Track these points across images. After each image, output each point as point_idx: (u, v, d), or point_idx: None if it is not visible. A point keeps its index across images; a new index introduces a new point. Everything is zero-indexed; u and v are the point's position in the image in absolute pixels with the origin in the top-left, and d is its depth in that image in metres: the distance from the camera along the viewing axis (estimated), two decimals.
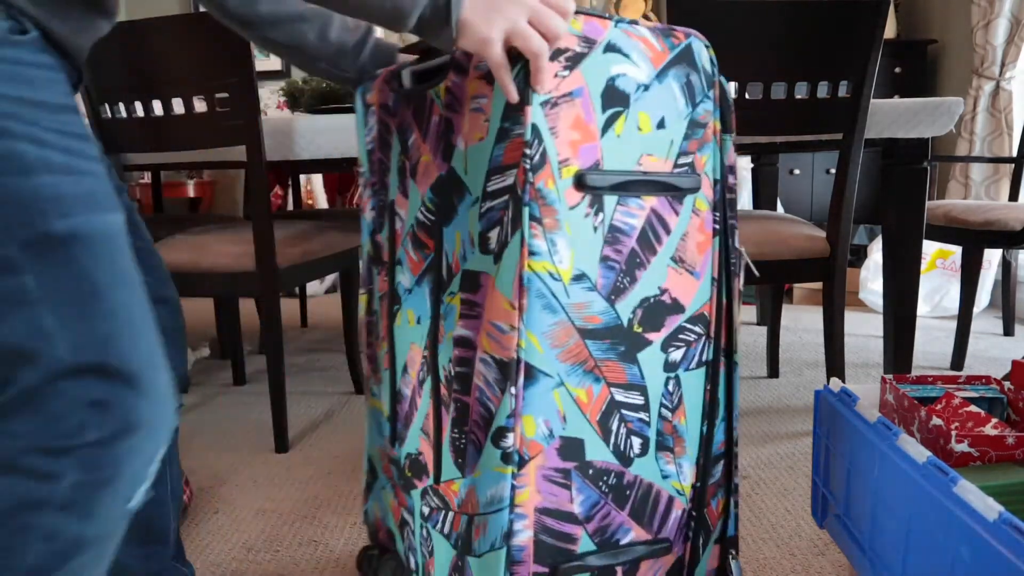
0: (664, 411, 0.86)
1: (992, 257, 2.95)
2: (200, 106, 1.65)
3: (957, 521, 0.78)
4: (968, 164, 3.22)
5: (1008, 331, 2.70)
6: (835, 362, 1.77)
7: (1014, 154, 3.12)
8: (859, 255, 3.33)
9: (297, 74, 4.18)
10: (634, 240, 0.82)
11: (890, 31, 3.64)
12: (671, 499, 0.88)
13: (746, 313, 3.13)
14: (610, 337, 0.82)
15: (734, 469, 0.92)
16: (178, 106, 1.67)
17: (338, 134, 1.66)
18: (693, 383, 0.88)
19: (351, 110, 1.79)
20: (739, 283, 0.90)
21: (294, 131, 1.69)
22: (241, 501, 1.51)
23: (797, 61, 1.59)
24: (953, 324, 2.84)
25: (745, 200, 3.48)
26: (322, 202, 4.01)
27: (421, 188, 0.92)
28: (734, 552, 0.93)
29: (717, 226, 0.87)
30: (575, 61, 0.77)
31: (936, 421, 1.01)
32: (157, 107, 1.67)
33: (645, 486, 0.86)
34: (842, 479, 1.09)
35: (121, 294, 0.68)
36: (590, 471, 0.83)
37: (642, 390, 0.84)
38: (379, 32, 1.02)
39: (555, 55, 0.76)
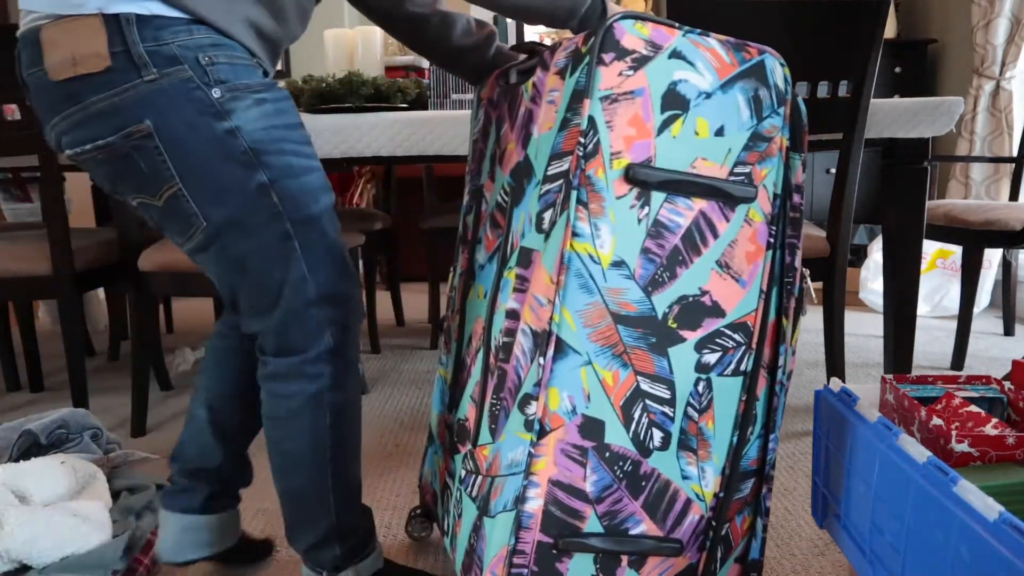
0: (691, 410, 0.88)
1: (992, 257, 2.95)
2: None
3: (957, 521, 0.78)
4: (968, 164, 3.22)
5: (1008, 331, 2.70)
6: (835, 362, 1.77)
7: (1014, 154, 3.12)
8: (859, 255, 3.33)
9: (297, 74, 4.18)
10: (678, 237, 0.85)
11: (890, 31, 3.64)
12: (689, 502, 0.89)
13: None
14: (643, 326, 0.84)
15: (766, 491, 0.92)
16: None
17: (338, 134, 1.66)
18: (727, 390, 0.89)
19: (351, 110, 1.79)
20: (793, 303, 0.91)
21: None
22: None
23: (797, 61, 1.59)
24: (953, 324, 2.84)
25: None
26: None
27: (504, 172, 1.00)
28: None
29: (772, 239, 0.89)
30: (640, 63, 0.82)
31: (936, 421, 1.01)
32: None
33: (663, 481, 0.87)
34: (842, 479, 1.09)
35: (340, 243, 0.99)
36: (607, 453, 0.85)
37: (669, 384, 0.86)
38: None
39: (622, 55, 0.81)
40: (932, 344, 2.59)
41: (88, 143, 0.88)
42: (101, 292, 3.12)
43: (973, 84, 3.21)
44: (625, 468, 0.86)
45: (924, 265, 2.99)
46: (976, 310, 2.87)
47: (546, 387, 0.83)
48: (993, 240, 2.16)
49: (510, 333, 0.89)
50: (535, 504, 0.84)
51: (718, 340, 0.87)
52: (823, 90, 1.61)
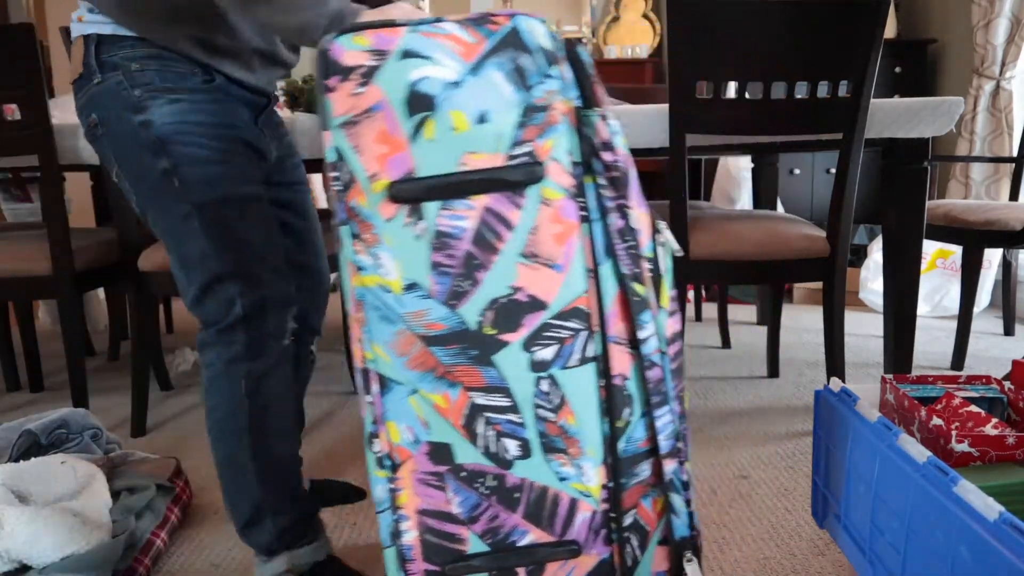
0: (543, 412, 0.83)
1: (992, 257, 2.94)
2: None
3: (957, 521, 0.78)
4: (968, 164, 3.22)
5: (1008, 331, 2.70)
6: (835, 362, 1.77)
7: (1014, 154, 3.11)
8: (859, 255, 3.33)
9: (297, 74, 4.17)
10: (468, 242, 0.80)
11: (890, 31, 3.64)
12: (574, 501, 0.85)
13: (746, 313, 3.13)
14: (457, 342, 0.81)
15: (676, 466, 0.87)
16: None
17: None
18: (578, 381, 0.83)
19: None
20: (648, 264, 0.84)
21: (294, 131, 1.69)
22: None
23: (797, 61, 1.58)
24: (953, 324, 2.84)
25: (745, 200, 3.47)
26: (322, 202, 4.02)
27: None
28: (691, 554, 0.90)
29: (585, 212, 0.82)
30: (369, 75, 0.77)
31: (936, 421, 1.01)
32: None
33: (538, 488, 0.85)
34: (842, 479, 1.09)
35: (252, 230, 1.07)
36: (463, 474, 0.83)
37: (506, 392, 0.82)
38: None
39: (347, 74, 0.77)
40: (932, 344, 2.59)
41: (83, 129, 1.10)
42: (101, 292, 3.12)
43: (973, 84, 3.21)
44: (489, 484, 0.84)
45: (924, 265, 2.99)
46: (976, 310, 2.87)
47: (383, 422, 0.82)
48: (993, 240, 2.16)
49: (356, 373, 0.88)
50: (411, 536, 0.84)
51: (548, 334, 0.82)
52: (823, 90, 1.61)
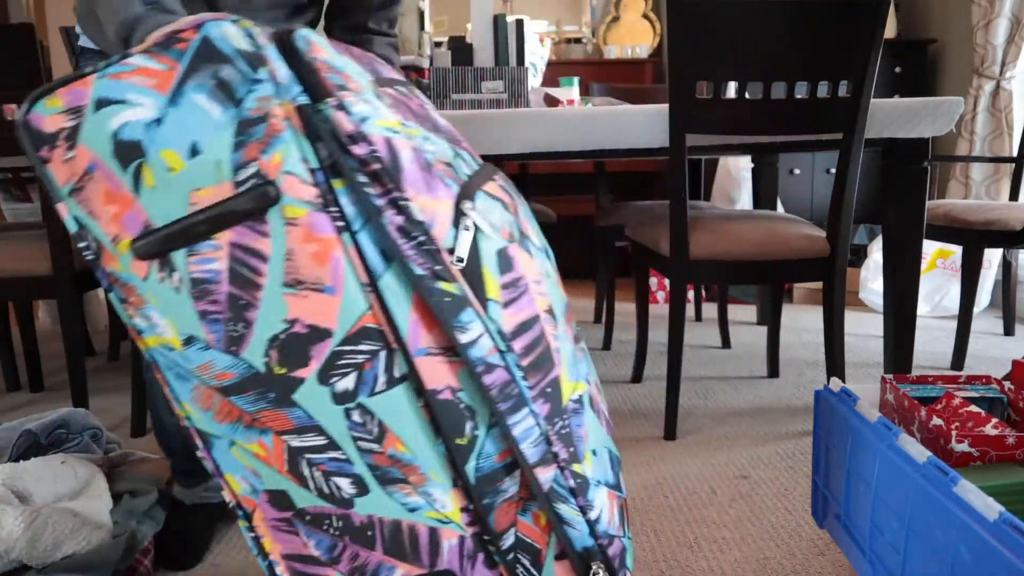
0: (364, 444, 0.76)
1: (992, 257, 2.95)
2: None
3: (957, 521, 0.78)
4: (968, 164, 3.22)
5: (1008, 331, 2.70)
6: (835, 362, 1.77)
7: (1014, 154, 3.12)
8: (859, 255, 3.33)
9: None
10: (226, 284, 0.74)
11: (890, 31, 3.64)
12: (434, 530, 0.79)
13: (746, 313, 3.13)
14: (252, 387, 0.76)
15: (556, 473, 0.80)
16: None
17: None
18: (392, 405, 0.76)
19: None
20: (450, 257, 0.74)
21: None
22: None
23: (797, 61, 1.59)
24: (953, 324, 2.84)
25: (745, 200, 3.47)
26: None
27: None
28: (603, 564, 0.83)
29: (342, 221, 0.72)
30: (73, 136, 0.72)
31: (936, 421, 1.01)
32: None
33: (389, 523, 0.79)
34: (842, 479, 1.09)
35: None
36: (307, 517, 0.79)
37: (318, 430, 0.76)
38: None
39: (53, 141, 0.72)
40: (932, 344, 2.59)
41: None
42: (101, 292, 3.12)
43: (973, 84, 3.21)
44: (336, 524, 0.79)
45: (924, 265, 2.99)
46: (976, 310, 2.87)
47: (221, 475, 0.80)
48: (993, 240, 2.16)
49: None
50: None
51: (341, 362, 0.74)
52: (823, 90, 1.61)
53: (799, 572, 1.19)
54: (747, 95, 1.61)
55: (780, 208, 3.09)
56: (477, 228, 0.76)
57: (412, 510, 0.78)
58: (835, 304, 1.75)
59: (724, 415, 1.92)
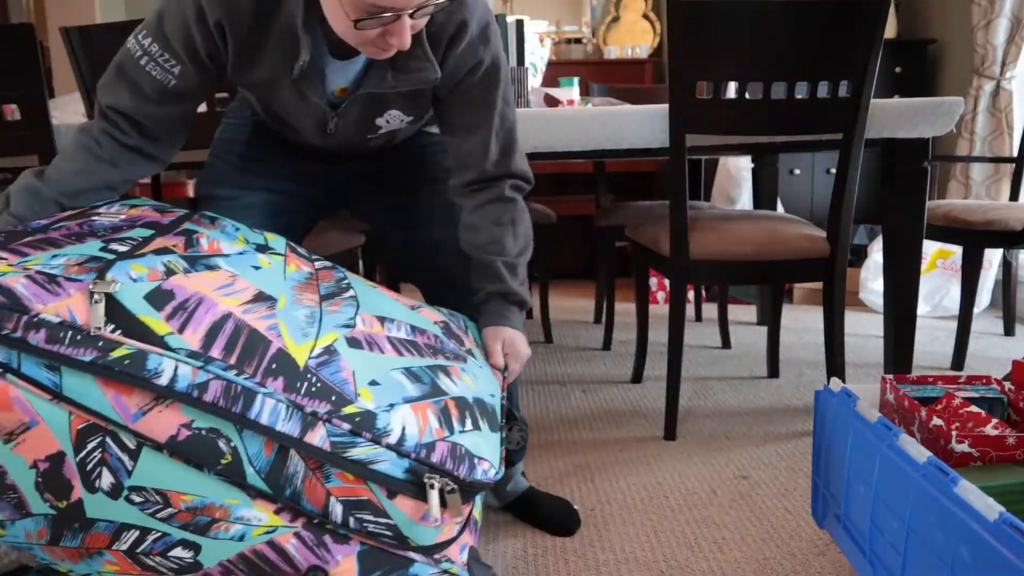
0: (161, 513, 0.82)
1: (992, 257, 2.94)
2: (200, 107, 1.65)
3: (957, 521, 0.78)
4: (968, 164, 3.22)
5: (1008, 331, 2.70)
6: (835, 362, 1.77)
7: (1014, 154, 3.11)
8: (859, 255, 3.33)
9: None
10: None
11: (890, 31, 3.64)
12: (272, 542, 0.84)
13: (746, 313, 3.13)
14: (62, 528, 0.83)
15: (330, 422, 0.83)
16: None
17: None
18: (150, 471, 0.81)
19: None
20: (100, 316, 0.79)
21: None
22: None
23: (797, 61, 1.59)
24: (953, 324, 2.84)
25: (745, 200, 3.47)
26: None
27: None
28: (433, 472, 0.86)
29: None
30: None
31: (936, 421, 1.01)
32: None
33: (239, 559, 0.85)
34: (842, 479, 1.09)
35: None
36: None
37: (125, 527, 0.83)
38: None
39: None
40: (932, 344, 2.59)
41: None
42: None
43: (973, 84, 3.21)
44: None
45: (924, 265, 2.99)
46: (976, 310, 2.87)
47: None
48: (993, 240, 2.16)
49: None
50: None
51: (88, 467, 0.81)
52: (823, 90, 1.61)
53: (799, 572, 1.19)
54: (747, 95, 1.61)
55: (780, 208, 3.09)
56: (109, 294, 0.81)
57: (241, 538, 0.83)
58: (835, 304, 1.75)
59: (724, 415, 1.92)
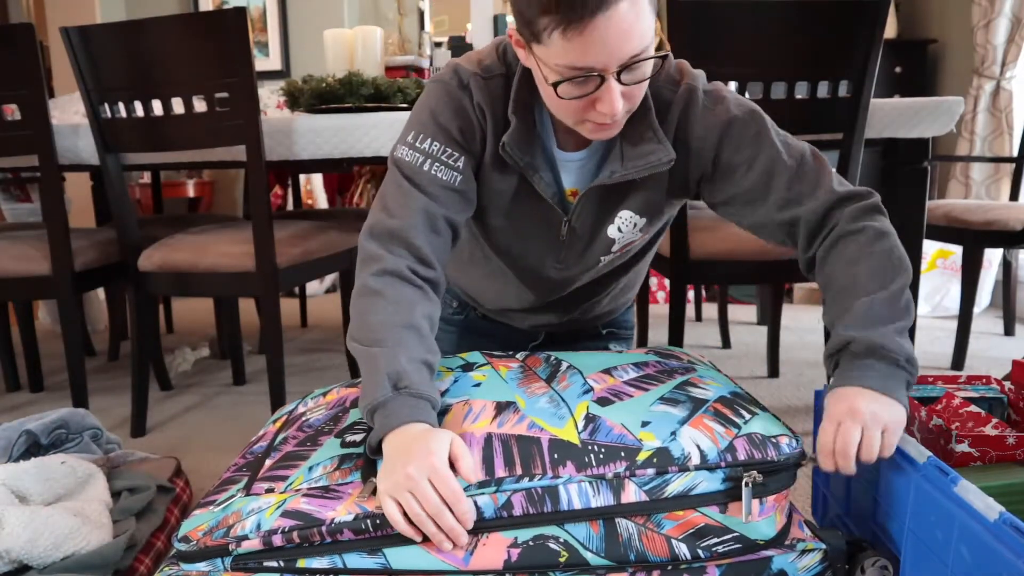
0: None
1: (992, 257, 2.94)
2: (200, 106, 1.65)
3: (957, 521, 0.77)
4: (968, 164, 3.22)
5: (1009, 331, 2.70)
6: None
7: (1014, 154, 3.11)
8: None
9: (297, 74, 4.18)
10: None
11: (890, 31, 3.64)
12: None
13: (746, 313, 3.13)
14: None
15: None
16: (178, 106, 1.67)
17: (338, 134, 1.66)
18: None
19: (351, 110, 1.79)
20: None
21: (294, 131, 1.69)
22: None
23: (797, 61, 1.58)
24: (953, 324, 2.83)
25: None
26: (322, 202, 4.01)
27: None
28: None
29: None
30: None
31: (936, 421, 1.01)
32: (157, 107, 1.67)
33: None
34: (842, 479, 1.09)
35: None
36: None
37: None
38: None
39: None
40: (932, 344, 2.59)
41: None
42: (101, 292, 3.12)
43: (973, 84, 3.21)
44: None
45: (924, 265, 2.99)
46: (976, 310, 2.87)
47: None
48: (993, 240, 2.16)
49: None
50: None
51: None
52: (823, 90, 1.61)
53: None
54: (747, 95, 1.61)
55: None
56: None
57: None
58: None
59: None
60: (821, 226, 1.03)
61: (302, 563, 0.87)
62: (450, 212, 1.04)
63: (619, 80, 0.91)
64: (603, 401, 0.96)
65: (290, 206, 3.52)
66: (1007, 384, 1.14)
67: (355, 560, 0.85)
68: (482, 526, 0.84)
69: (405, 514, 0.82)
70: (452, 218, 1.04)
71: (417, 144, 1.03)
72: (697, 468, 0.86)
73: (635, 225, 1.12)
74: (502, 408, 0.95)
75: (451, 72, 1.05)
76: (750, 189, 1.05)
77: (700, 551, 0.87)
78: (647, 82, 0.96)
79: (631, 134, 1.02)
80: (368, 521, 0.84)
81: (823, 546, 0.91)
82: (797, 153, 1.05)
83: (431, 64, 2.33)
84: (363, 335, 0.95)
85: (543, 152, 1.06)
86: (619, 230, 1.12)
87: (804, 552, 0.90)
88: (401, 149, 1.04)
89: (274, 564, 0.87)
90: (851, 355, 0.92)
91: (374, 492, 0.86)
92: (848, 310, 0.94)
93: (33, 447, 1.42)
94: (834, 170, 1.06)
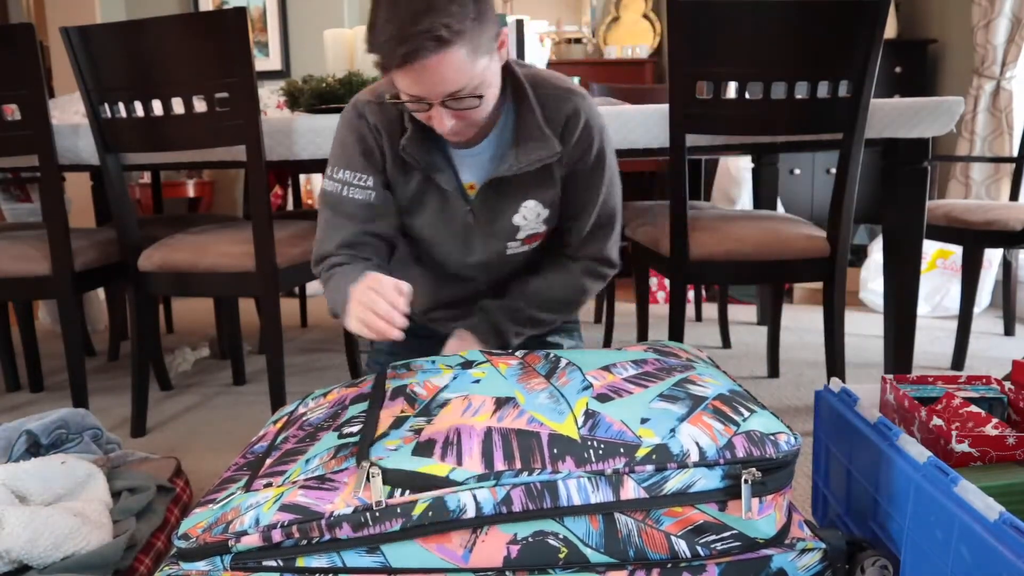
0: None
1: (992, 257, 2.94)
2: (200, 106, 1.65)
3: (957, 521, 0.77)
4: (968, 164, 3.22)
5: (1009, 331, 2.70)
6: (835, 362, 1.77)
7: (1014, 154, 3.11)
8: (859, 255, 3.33)
9: (297, 74, 4.18)
10: None
11: (890, 31, 3.64)
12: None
13: (746, 313, 3.13)
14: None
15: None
16: (178, 106, 1.67)
17: None
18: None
19: None
20: None
21: (294, 131, 1.69)
22: None
23: (797, 61, 1.58)
24: (953, 324, 2.83)
25: (745, 200, 3.47)
26: None
27: None
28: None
29: None
30: None
31: (936, 421, 1.01)
32: (157, 107, 1.67)
33: None
34: (842, 479, 1.09)
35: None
36: None
37: None
38: None
39: None
40: (932, 344, 2.59)
41: None
42: (101, 292, 3.12)
43: (973, 84, 3.21)
44: None
45: (924, 265, 2.99)
46: (976, 310, 2.87)
47: None
48: (993, 240, 2.16)
49: None
50: None
51: None
52: (823, 90, 1.61)
53: None
54: (747, 95, 1.61)
55: (780, 208, 3.09)
56: (383, 467, 0.91)
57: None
58: (835, 304, 1.75)
59: None
60: (571, 259, 1.36)
61: (301, 562, 0.87)
62: (373, 227, 1.26)
63: (445, 107, 1.08)
64: (603, 397, 0.96)
65: (290, 206, 3.52)
66: (1007, 384, 1.14)
67: (354, 559, 0.85)
68: (482, 521, 0.85)
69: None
70: (376, 231, 1.26)
71: (334, 175, 1.25)
72: (696, 465, 0.87)
73: (538, 215, 1.29)
74: (502, 403, 0.95)
75: (351, 106, 1.26)
76: (569, 205, 1.31)
77: (699, 548, 0.87)
78: (482, 105, 1.11)
79: (524, 133, 1.20)
80: (367, 514, 0.84)
81: (823, 545, 0.91)
82: (610, 208, 1.33)
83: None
84: (331, 296, 1.21)
85: (440, 151, 1.24)
86: (524, 218, 1.28)
87: (804, 551, 0.90)
88: (325, 181, 1.26)
89: (273, 563, 0.87)
90: (492, 330, 1.30)
91: (368, 479, 0.87)
92: (524, 314, 1.31)
93: (33, 447, 1.42)
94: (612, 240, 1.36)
